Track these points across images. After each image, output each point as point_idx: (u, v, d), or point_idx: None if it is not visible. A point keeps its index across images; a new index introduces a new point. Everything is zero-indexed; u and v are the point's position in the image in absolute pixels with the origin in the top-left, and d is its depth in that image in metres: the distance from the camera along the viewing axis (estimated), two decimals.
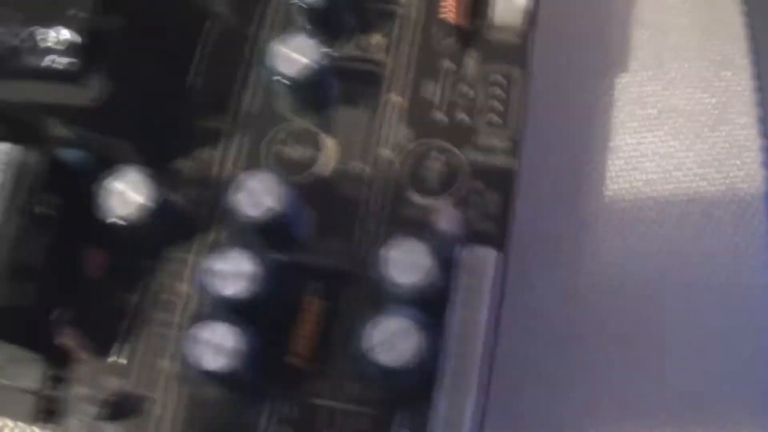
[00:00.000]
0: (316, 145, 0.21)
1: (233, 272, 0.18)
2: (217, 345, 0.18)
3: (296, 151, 0.21)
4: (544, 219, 0.24)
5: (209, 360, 0.18)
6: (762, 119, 0.26)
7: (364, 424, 0.18)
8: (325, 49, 0.20)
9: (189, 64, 0.22)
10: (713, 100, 0.26)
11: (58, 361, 0.20)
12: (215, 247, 0.20)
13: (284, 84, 0.20)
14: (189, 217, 0.21)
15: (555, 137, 0.25)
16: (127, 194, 0.19)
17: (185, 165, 0.21)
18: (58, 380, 0.20)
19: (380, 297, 0.18)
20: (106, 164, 0.20)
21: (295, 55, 0.20)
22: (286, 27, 0.22)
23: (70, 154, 0.20)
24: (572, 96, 0.26)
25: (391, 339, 0.17)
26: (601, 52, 0.26)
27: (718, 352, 0.23)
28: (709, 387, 0.23)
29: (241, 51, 0.22)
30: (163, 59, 0.21)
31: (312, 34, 0.20)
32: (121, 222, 0.19)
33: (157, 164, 0.20)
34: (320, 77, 0.20)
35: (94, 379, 0.20)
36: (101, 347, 0.20)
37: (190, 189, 0.21)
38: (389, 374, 0.17)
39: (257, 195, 0.19)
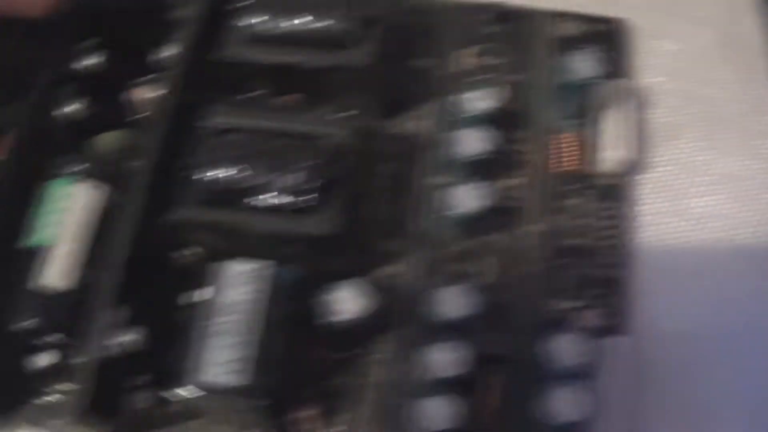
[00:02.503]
0: (480, 263, 0.28)
1: (440, 360, 0.25)
2: (444, 414, 0.24)
3: (463, 266, 0.28)
4: None
5: (439, 425, 0.24)
6: None
7: None
8: (482, 193, 0.27)
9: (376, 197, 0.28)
10: (761, 165, 0.30)
11: None
12: (413, 342, 0.26)
13: (456, 219, 0.27)
14: (389, 319, 0.27)
15: None
16: (348, 302, 0.26)
17: (380, 277, 0.27)
18: None
19: (542, 376, 0.25)
20: (326, 279, 0.26)
21: (463, 197, 0.27)
22: (444, 171, 0.29)
23: (294, 272, 0.26)
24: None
25: (559, 407, 0.24)
26: (658, 128, 0.31)
27: None
28: None
29: (410, 188, 0.29)
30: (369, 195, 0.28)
31: (469, 180, 0.27)
32: (345, 323, 0.25)
33: (365, 277, 0.27)
34: (481, 214, 0.27)
35: None
36: (331, 420, 0.26)
37: (385, 296, 0.27)
38: None
39: (452, 301, 0.26)
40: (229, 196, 0.26)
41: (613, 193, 0.29)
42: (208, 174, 0.26)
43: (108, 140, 0.29)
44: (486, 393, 0.26)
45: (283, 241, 0.26)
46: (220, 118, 0.27)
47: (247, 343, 0.24)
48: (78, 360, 0.26)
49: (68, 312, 0.26)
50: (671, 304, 0.27)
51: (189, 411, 0.26)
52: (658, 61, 0.31)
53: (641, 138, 0.29)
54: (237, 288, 0.26)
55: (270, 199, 0.26)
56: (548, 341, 0.25)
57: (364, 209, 0.27)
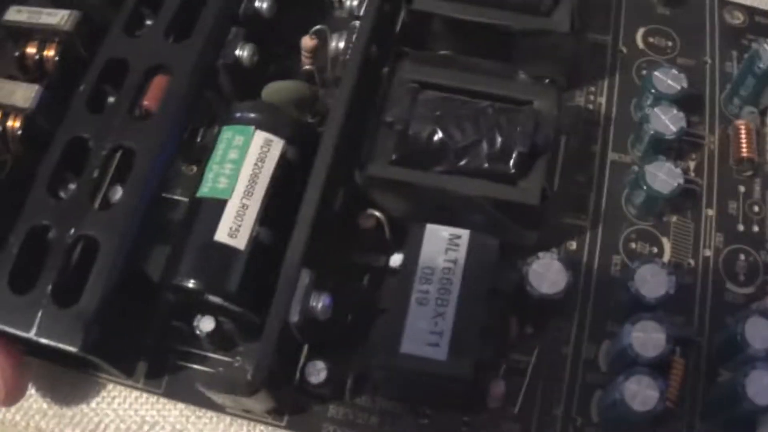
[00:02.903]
0: (657, 243, 0.27)
1: (647, 338, 0.24)
2: (644, 394, 0.24)
3: (642, 247, 0.27)
4: None
5: (639, 404, 0.24)
6: None
7: None
8: (666, 173, 0.27)
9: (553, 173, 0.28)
10: None
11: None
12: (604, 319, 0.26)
13: (637, 198, 0.27)
14: (578, 296, 0.27)
15: None
16: (544, 276, 0.25)
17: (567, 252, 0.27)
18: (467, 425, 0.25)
19: (732, 359, 0.25)
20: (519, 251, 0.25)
21: (663, 176, 0.27)
22: (627, 149, 0.29)
23: (491, 241, 0.25)
24: None
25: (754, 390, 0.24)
26: None
27: None
28: None
29: (590, 163, 0.28)
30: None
31: (653, 159, 0.27)
32: (541, 297, 0.25)
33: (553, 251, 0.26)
34: (663, 194, 0.27)
35: (497, 424, 0.25)
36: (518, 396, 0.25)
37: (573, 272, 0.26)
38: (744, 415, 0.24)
39: (649, 282, 0.25)
40: (424, 156, 0.25)
41: None
42: (401, 131, 0.25)
43: (278, 89, 0.27)
44: (677, 374, 0.25)
45: (481, 208, 0.25)
46: (414, 74, 0.26)
47: (449, 315, 0.24)
48: (255, 324, 0.24)
49: (241, 272, 0.24)
50: None
51: (365, 384, 0.25)
52: None
53: None
54: (435, 255, 0.25)
55: (469, 162, 0.25)
56: (734, 324, 0.26)
57: (554, 182, 0.27)
